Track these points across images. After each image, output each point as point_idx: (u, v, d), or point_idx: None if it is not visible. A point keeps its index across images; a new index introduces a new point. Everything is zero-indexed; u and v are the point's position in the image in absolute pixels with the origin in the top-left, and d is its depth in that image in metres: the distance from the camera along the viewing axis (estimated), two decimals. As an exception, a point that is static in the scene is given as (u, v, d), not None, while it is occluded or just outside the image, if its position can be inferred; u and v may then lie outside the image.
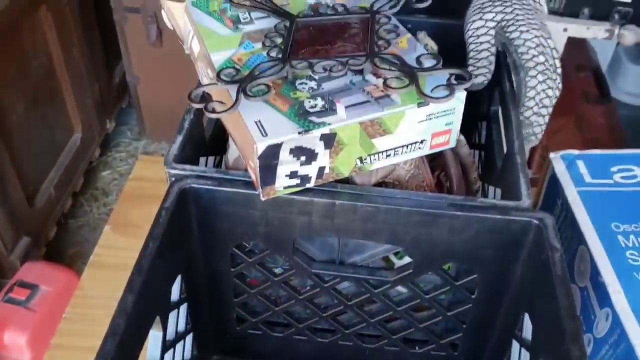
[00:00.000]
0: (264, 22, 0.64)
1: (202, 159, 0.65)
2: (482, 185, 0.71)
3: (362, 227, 0.55)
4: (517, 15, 0.70)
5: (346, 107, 0.54)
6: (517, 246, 0.55)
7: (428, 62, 0.56)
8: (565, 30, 1.53)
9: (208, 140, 0.67)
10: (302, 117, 0.53)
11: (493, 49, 0.70)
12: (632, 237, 0.68)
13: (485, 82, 0.69)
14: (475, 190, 0.70)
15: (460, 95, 0.56)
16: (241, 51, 0.60)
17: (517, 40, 0.68)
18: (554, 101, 0.72)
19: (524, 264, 0.56)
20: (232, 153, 0.61)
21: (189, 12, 0.64)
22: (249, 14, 0.65)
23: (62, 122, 1.80)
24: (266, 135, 0.50)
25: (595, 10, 1.48)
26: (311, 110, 0.53)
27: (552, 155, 0.81)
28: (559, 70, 0.71)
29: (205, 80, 0.62)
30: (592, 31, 1.53)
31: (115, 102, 2.16)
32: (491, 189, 0.68)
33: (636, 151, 0.80)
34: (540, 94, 0.69)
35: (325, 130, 0.52)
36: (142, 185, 0.97)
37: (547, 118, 0.72)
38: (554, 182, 0.78)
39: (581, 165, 0.78)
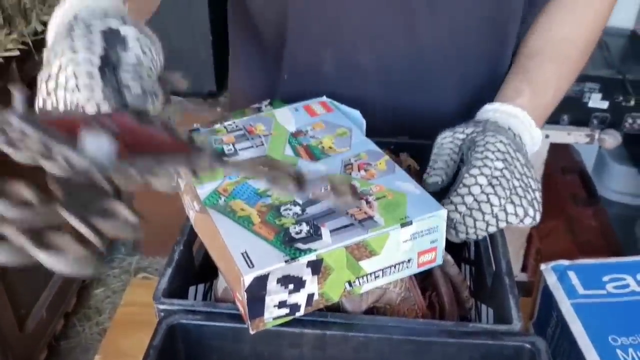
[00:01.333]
0: (248, 153, 0.67)
1: (192, 288, 0.64)
2: (474, 302, 0.70)
3: (355, 357, 0.54)
4: (488, 129, 0.70)
5: (331, 231, 0.54)
6: (511, 372, 0.54)
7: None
8: (547, 136, 1.59)
9: (198, 267, 0.67)
10: (288, 245, 0.53)
11: (455, 156, 0.70)
12: (630, 350, 0.67)
13: (439, 182, 0.68)
14: (468, 308, 0.69)
15: (442, 213, 0.57)
16: (227, 181, 0.62)
17: (479, 142, 0.67)
18: (501, 216, 0.63)
19: (520, 390, 0.54)
20: (222, 282, 0.61)
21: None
22: (233, 146, 0.68)
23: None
24: (252, 266, 0.51)
25: (574, 117, 1.54)
26: (297, 236, 0.54)
27: (542, 267, 0.81)
28: (521, 184, 0.64)
29: (191, 213, 0.63)
30: (573, 137, 1.59)
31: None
32: (484, 306, 0.67)
33: (627, 259, 0.80)
34: (476, 195, 0.62)
35: (312, 257, 0.52)
36: (134, 311, 0.96)
37: (485, 224, 0.63)
38: (548, 293, 0.78)
39: (573, 277, 0.78)
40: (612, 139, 1.38)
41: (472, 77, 0.87)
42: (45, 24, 1.47)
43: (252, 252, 0.52)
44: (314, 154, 0.67)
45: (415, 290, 0.61)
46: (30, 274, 1.65)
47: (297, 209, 0.57)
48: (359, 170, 0.64)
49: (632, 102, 1.43)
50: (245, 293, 0.50)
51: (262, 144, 0.68)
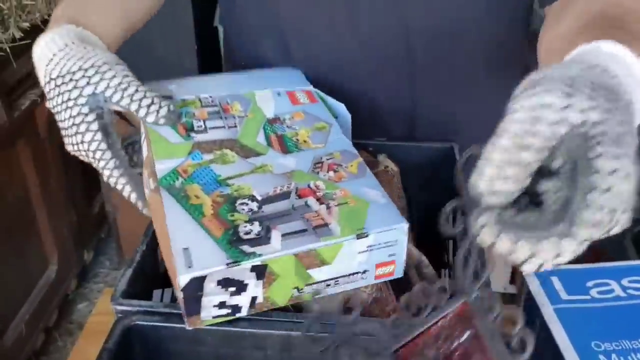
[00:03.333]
0: (218, 133, 0.62)
1: (157, 292, 0.62)
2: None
3: (321, 358, 0.52)
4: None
5: (282, 235, 0.52)
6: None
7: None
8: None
9: (164, 272, 0.65)
10: (234, 245, 0.50)
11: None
12: (614, 356, 0.64)
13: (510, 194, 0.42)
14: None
15: (403, 227, 0.54)
16: (189, 161, 0.58)
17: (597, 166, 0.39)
18: None
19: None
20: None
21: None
22: (204, 123, 0.63)
23: (37, 254, 1.77)
24: (191, 266, 0.48)
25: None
26: (245, 237, 0.51)
27: (525, 272, 0.79)
28: None
29: (147, 192, 0.60)
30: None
31: (94, 232, 2.13)
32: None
33: (610, 265, 0.78)
34: None
35: (256, 261, 0.49)
36: (106, 320, 0.93)
37: None
38: (530, 299, 0.75)
39: (556, 282, 0.75)
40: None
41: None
42: (24, 31, 1.45)
43: (195, 248, 0.49)
44: (286, 146, 0.63)
45: (387, 291, 0.59)
46: (8, 288, 1.61)
47: (254, 205, 0.55)
48: (327, 171, 0.61)
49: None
50: (181, 292, 0.48)
51: (235, 126, 0.64)
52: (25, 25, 1.44)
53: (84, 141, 0.58)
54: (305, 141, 0.64)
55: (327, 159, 0.62)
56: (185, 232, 0.51)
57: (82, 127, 0.56)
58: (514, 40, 0.83)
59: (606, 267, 0.78)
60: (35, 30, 1.53)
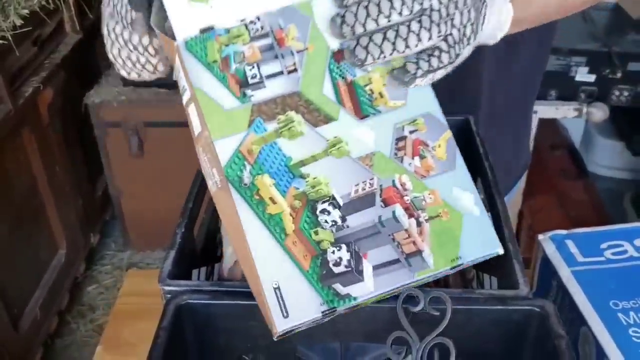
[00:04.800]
0: (278, 84, 0.50)
1: (195, 272, 0.64)
2: (476, 273, 0.71)
3: (363, 328, 0.54)
4: None
5: (374, 267, 0.48)
6: (521, 337, 0.54)
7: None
8: (535, 112, 1.60)
9: (200, 252, 0.67)
10: (326, 283, 0.47)
11: None
12: (632, 313, 0.68)
13: None
14: (469, 279, 0.69)
15: (497, 252, 0.52)
16: (252, 136, 0.49)
17: None
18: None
19: (529, 355, 0.55)
20: (227, 262, 0.61)
21: (181, 59, 0.50)
22: (259, 69, 0.50)
23: (46, 240, 1.79)
24: (287, 316, 0.46)
25: (561, 92, 1.55)
26: (335, 269, 0.47)
27: (540, 237, 0.82)
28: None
29: (209, 183, 0.51)
30: (562, 111, 1.60)
31: (99, 215, 2.15)
32: (486, 276, 0.67)
33: (623, 226, 0.81)
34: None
35: (351, 305, 0.47)
36: (133, 300, 0.96)
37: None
38: (546, 263, 0.78)
39: (571, 245, 0.78)
40: (600, 112, 1.39)
41: None
42: (23, 18, 1.45)
43: (286, 289, 0.46)
44: (359, 104, 0.51)
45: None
46: (21, 274, 1.63)
47: (336, 215, 0.48)
48: (413, 155, 0.51)
49: (619, 75, 1.44)
50: (275, 334, 0.46)
51: (295, 69, 0.51)
52: (25, 12, 1.43)
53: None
54: (381, 94, 0.52)
55: (411, 131, 0.52)
56: (271, 262, 0.47)
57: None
58: None
59: (618, 229, 0.81)
60: (35, 17, 1.53)
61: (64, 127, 1.83)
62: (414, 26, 0.49)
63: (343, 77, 0.51)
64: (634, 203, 1.85)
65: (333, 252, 0.47)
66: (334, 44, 0.51)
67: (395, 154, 0.51)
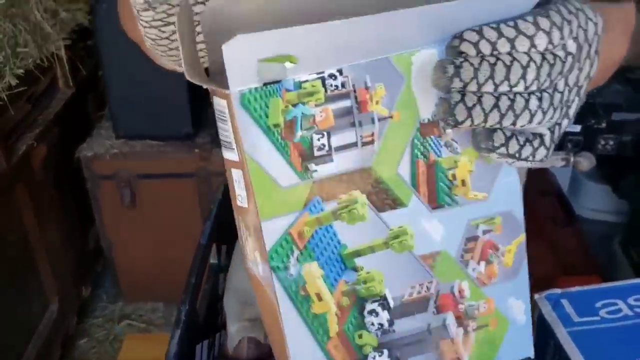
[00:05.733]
0: (348, 158, 0.42)
1: (198, 347, 0.64)
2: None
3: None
4: None
5: None
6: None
7: None
8: (524, 162, 1.62)
9: (202, 322, 0.67)
10: None
11: None
12: (629, 375, 0.68)
13: None
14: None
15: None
16: (305, 216, 0.42)
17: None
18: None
19: None
20: (232, 341, 0.61)
21: (233, 115, 0.39)
22: (328, 139, 0.41)
23: (38, 295, 1.77)
24: None
25: (548, 142, 1.58)
26: None
27: (537, 296, 0.83)
28: None
29: (249, 264, 0.45)
30: (550, 161, 1.63)
31: (91, 267, 2.14)
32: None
33: (616, 284, 0.82)
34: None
35: None
36: (131, 365, 0.95)
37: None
38: (543, 323, 0.79)
39: (566, 304, 0.79)
40: (587, 162, 1.41)
41: None
42: (18, 77, 1.46)
43: None
44: (436, 190, 0.45)
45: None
46: (12, 329, 1.61)
47: (384, 317, 0.44)
48: (479, 260, 0.46)
49: (604, 124, 1.48)
50: None
51: (372, 141, 0.42)
52: (20, 72, 1.45)
53: None
54: (463, 182, 0.45)
55: (485, 231, 0.46)
56: None
57: None
58: None
59: (612, 287, 0.82)
60: (29, 75, 1.55)
61: (56, 181, 1.83)
62: (533, 104, 0.41)
63: (425, 156, 0.44)
64: (623, 246, 1.86)
65: (374, 358, 0.44)
66: (426, 113, 0.43)
67: (462, 256, 0.46)
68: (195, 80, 0.40)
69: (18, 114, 1.55)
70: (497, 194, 0.45)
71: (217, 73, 0.43)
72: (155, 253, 1.99)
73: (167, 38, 0.53)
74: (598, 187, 2.00)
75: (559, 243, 1.69)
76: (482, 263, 0.46)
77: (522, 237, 0.48)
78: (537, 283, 0.84)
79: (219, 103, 0.40)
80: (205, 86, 0.41)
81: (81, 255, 2.04)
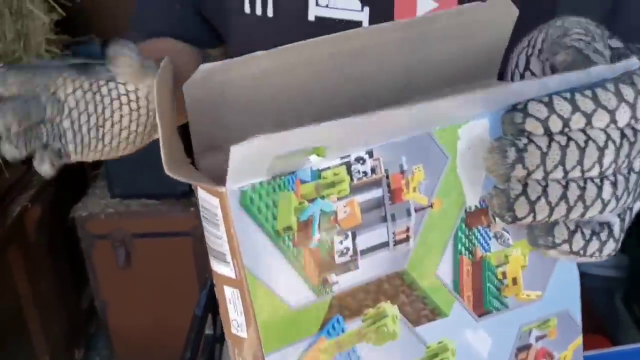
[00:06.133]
0: (376, 263, 0.33)
1: None
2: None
3: None
4: None
5: None
6: None
7: None
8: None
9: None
10: None
11: None
12: None
13: None
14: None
15: None
16: (321, 341, 0.32)
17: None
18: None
19: None
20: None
21: (230, 220, 0.31)
22: (353, 240, 0.33)
23: (29, 357, 1.73)
24: None
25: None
26: None
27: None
28: None
29: None
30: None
31: (84, 328, 2.10)
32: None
33: (622, 348, 0.81)
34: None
35: None
36: None
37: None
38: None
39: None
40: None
41: None
42: None
43: None
44: (482, 295, 0.36)
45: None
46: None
47: None
48: None
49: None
50: None
51: (407, 238, 0.34)
52: None
53: None
54: (514, 280, 0.37)
55: (538, 337, 0.38)
56: None
57: None
58: None
59: (619, 352, 0.80)
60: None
61: (50, 241, 1.81)
62: (607, 191, 0.33)
63: (471, 252, 0.36)
64: (625, 302, 1.84)
65: None
66: (474, 199, 0.35)
67: None
68: (178, 177, 0.33)
69: (13, 176, 1.54)
70: (552, 292, 0.38)
71: (205, 149, 0.37)
72: (150, 314, 1.95)
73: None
74: (597, 241, 1.99)
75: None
76: None
77: (580, 340, 0.40)
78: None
79: (206, 199, 0.31)
80: (192, 183, 0.33)
81: (74, 316, 2.00)
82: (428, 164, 0.33)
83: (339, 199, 0.32)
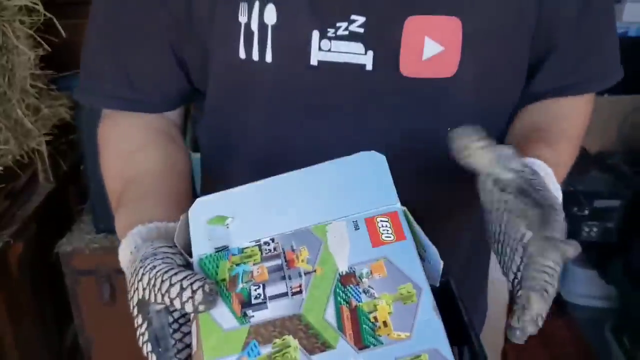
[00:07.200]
0: (280, 306, 0.49)
1: None
2: None
3: None
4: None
5: None
6: None
7: None
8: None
9: None
10: None
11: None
12: None
13: None
14: None
15: None
16: (244, 359, 0.47)
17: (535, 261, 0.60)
18: None
19: None
20: None
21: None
22: (264, 290, 0.50)
23: (10, 402, 1.68)
24: None
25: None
26: None
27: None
28: None
29: None
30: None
31: (67, 366, 2.05)
32: None
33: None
34: None
35: None
36: None
37: None
38: None
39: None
40: (572, 249, 1.41)
41: None
42: (-2, 174, 1.45)
43: None
44: (360, 333, 0.48)
45: None
46: None
47: None
48: None
49: (587, 212, 1.48)
50: None
51: (300, 291, 0.50)
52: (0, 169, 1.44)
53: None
54: (385, 323, 0.48)
55: None
56: None
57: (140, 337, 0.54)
58: None
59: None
60: (8, 171, 1.54)
61: (33, 278, 1.78)
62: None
63: (347, 302, 0.49)
64: (615, 333, 1.83)
65: None
66: (343, 266, 0.51)
67: None
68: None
69: (-5, 211, 1.52)
70: (419, 333, 0.47)
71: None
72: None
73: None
74: (585, 272, 1.98)
75: (551, 334, 1.65)
76: None
77: None
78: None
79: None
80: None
81: (57, 354, 1.95)
82: (309, 245, 0.53)
83: (254, 264, 0.52)
